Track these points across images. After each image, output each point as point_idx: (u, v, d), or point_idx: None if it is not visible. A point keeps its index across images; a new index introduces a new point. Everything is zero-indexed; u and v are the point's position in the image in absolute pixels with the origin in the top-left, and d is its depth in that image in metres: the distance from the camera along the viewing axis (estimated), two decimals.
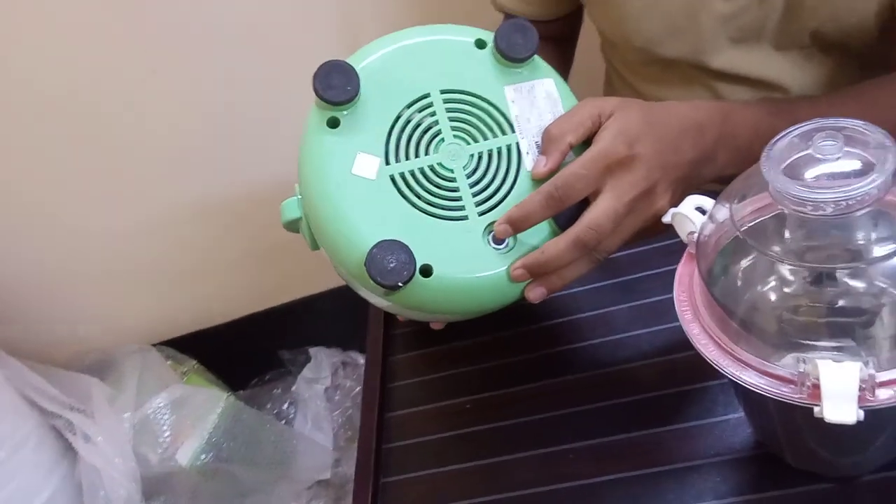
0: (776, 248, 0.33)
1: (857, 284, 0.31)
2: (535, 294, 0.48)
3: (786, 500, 0.44)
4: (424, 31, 0.52)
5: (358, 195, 0.47)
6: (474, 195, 0.49)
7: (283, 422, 1.33)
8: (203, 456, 1.16)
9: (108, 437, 1.11)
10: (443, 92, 0.50)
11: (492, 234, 0.48)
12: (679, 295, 0.38)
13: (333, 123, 0.49)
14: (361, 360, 1.41)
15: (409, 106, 0.49)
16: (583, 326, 0.58)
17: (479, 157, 0.49)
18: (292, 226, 0.53)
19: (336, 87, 0.48)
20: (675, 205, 0.43)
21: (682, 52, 0.63)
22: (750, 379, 0.34)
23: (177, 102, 1.12)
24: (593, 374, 0.55)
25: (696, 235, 0.38)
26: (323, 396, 1.38)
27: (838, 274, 0.31)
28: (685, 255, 0.40)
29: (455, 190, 0.49)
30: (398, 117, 0.49)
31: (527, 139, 0.50)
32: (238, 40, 1.08)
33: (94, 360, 1.29)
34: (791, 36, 0.60)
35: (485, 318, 0.61)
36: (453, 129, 0.49)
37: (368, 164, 0.48)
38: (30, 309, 1.31)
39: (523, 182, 0.49)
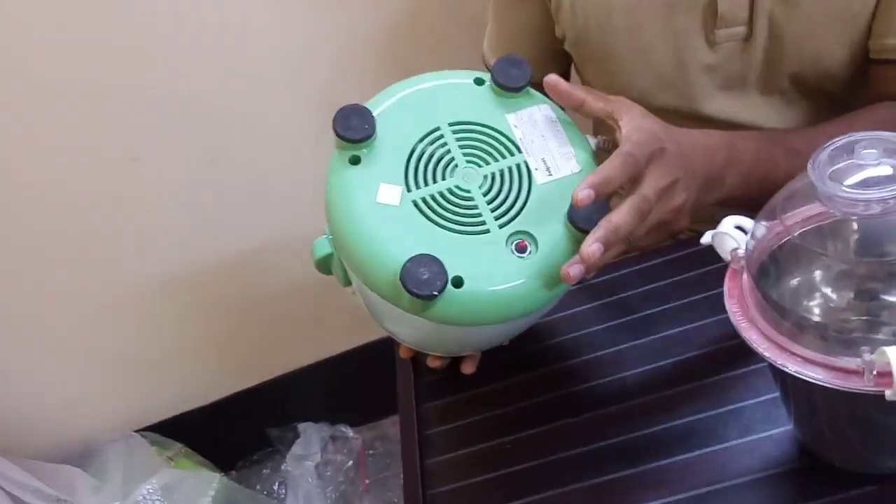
0: (830, 249, 0.36)
1: None
2: (575, 271, 0.50)
3: None
4: (428, 77, 0.57)
5: (385, 220, 0.51)
6: (492, 210, 0.52)
7: (276, 503, 1.29)
8: None
9: None
10: (451, 125, 0.55)
11: (515, 244, 0.52)
12: (731, 307, 0.41)
13: (355, 161, 0.53)
14: (351, 433, 1.39)
15: (422, 139, 0.54)
16: (611, 362, 0.60)
17: (493, 178, 0.53)
18: (323, 264, 0.56)
19: (354, 127, 0.53)
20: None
21: (674, 102, 0.68)
22: (815, 374, 0.36)
23: (148, 186, 1.12)
24: (628, 405, 0.56)
25: (740, 251, 0.41)
26: (314, 473, 1.35)
27: (890, 267, 0.35)
28: (729, 271, 0.43)
29: (474, 207, 0.52)
30: (413, 150, 0.54)
31: (533, 157, 0.54)
32: (213, 122, 1.10)
33: (75, 451, 1.25)
34: (773, 81, 0.66)
35: (511, 360, 0.63)
36: (465, 155, 0.54)
37: (391, 193, 0.52)
38: (3, 401, 1.26)
39: (536, 194, 0.53)
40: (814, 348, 0.37)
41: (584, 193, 0.49)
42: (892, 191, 0.33)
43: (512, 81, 0.56)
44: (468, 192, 0.53)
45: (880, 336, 0.36)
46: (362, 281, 0.53)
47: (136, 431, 1.28)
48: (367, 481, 1.35)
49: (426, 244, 0.50)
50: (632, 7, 0.66)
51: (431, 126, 0.54)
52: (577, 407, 0.57)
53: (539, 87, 0.58)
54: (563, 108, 0.58)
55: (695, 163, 0.54)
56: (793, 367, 0.37)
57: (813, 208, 0.38)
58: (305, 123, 1.12)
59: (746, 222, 0.42)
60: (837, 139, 0.36)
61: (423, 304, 0.50)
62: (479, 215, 0.52)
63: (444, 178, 0.53)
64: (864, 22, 0.61)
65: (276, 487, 1.34)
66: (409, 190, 0.52)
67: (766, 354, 0.38)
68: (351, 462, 1.37)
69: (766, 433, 0.51)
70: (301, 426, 1.37)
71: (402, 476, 1.36)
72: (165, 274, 1.21)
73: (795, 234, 0.38)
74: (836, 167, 0.36)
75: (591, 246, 0.49)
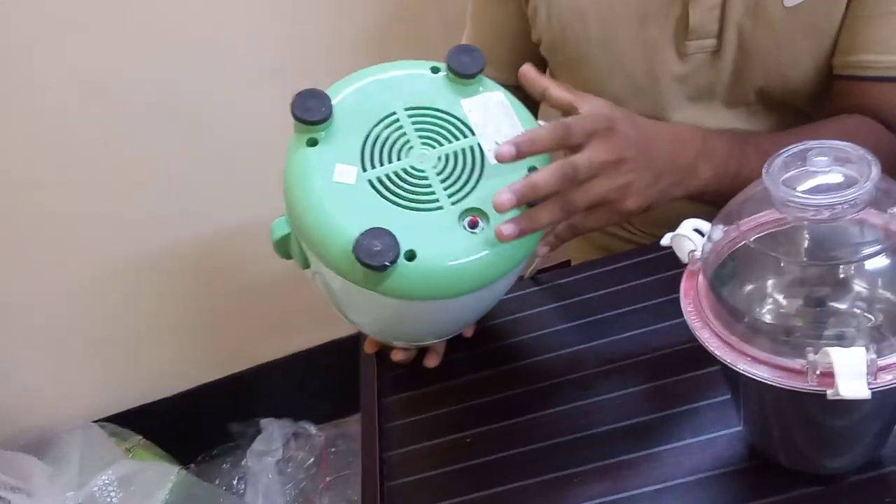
0: (782, 254, 0.37)
1: (853, 282, 0.36)
2: (508, 229, 0.51)
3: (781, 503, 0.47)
4: (386, 66, 0.59)
5: (340, 198, 0.53)
6: (445, 188, 0.54)
7: (235, 498, 1.29)
8: None
9: None
10: (407, 109, 0.56)
11: (467, 220, 0.53)
12: (686, 307, 0.42)
13: (312, 143, 0.55)
14: (314, 430, 1.39)
15: (378, 123, 0.55)
16: (571, 360, 0.61)
17: (447, 158, 0.55)
18: (282, 245, 0.57)
19: (312, 109, 0.54)
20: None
21: (643, 110, 0.69)
22: (762, 373, 0.37)
23: (119, 171, 1.12)
24: (587, 403, 0.57)
25: (697, 253, 0.43)
26: (275, 469, 1.34)
27: (838, 272, 0.36)
28: (686, 272, 0.44)
29: (427, 186, 0.54)
30: (370, 133, 0.55)
31: (486, 140, 0.56)
32: (188, 111, 1.10)
33: (31, 439, 1.23)
34: (739, 94, 0.68)
35: (472, 357, 0.64)
36: (420, 137, 0.55)
37: (347, 172, 0.53)
38: None
39: (489, 173, 0.55)
40: (764, 349, 0.38)
41: (506, 148, 0.51)
42: (840, 196, 0.35)
43: (465, 68, 0.57)
44: (422, 171, 0.54)
45: (826, 340, 0.38)
46: (317, 257, 0.54)
47: (95, 422, 1.26)
48: (327, 479, 1.34)
49: (380, 219, 0.51)
50: (606, 16, 0.67)
51: (388, 111, 0.56)
52: (535, 404, 0.58)
53: (509, 87, 0.59)
54: (523, 98, 0.60)
55: (654, 149, 0.56)
56: (742, 366, 0.38)
57: (767, 214, 0.39)
58: (280, 116, 1.11)
59: (704, 225, 0.44)
60: (791, 147, 0.38)
61: (377, 277, 0.51)
62: (433, 193, 0.54)
63: (399, 159, 0.54)
64: (830, 39, 0.63)
65: (235, 482, 1.33)
66: (364, 170, 0.54)
67: (717, 353, 0.39)
68: (312, 459, 1.36)
69: (718, 433, 0.52)
70: (263, 422, 1.36)
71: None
72: (131, 263, 1.20)
73: (750, 238, 0.39)
74: (789, 173, 0.37)
75: (503, 195, 0.51)
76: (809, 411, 0.41)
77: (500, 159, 0.52)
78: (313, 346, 1.36)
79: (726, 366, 0.40)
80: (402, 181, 0.54)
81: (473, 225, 0.53)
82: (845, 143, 0.37)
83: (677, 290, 0.48)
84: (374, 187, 0.53)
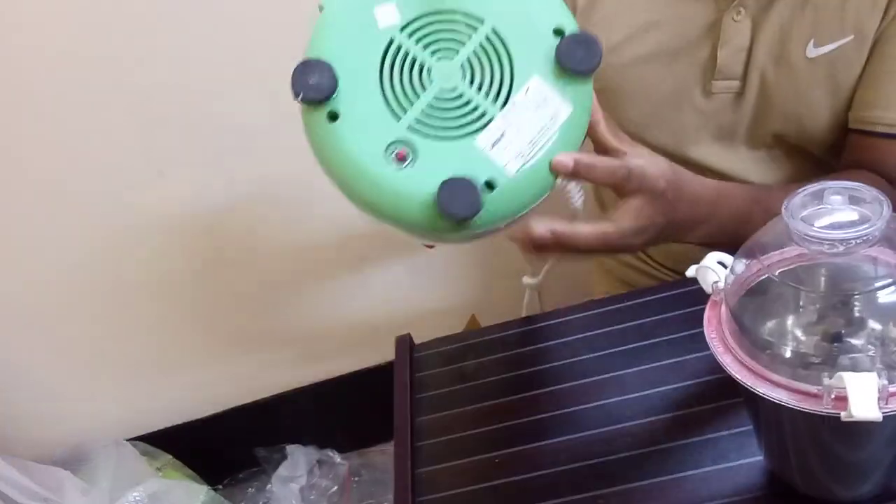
0: (801, 287, 0.40)
1: (867, 316, 0.39)
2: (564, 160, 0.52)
3: None
4: None
5: (353, 29, 0.49)
6: (424, 112, 0.49)
7: None
8: None
9: None
10: (493, 28, 0.50)
11: (397, 153, 0.49)
12: (710, 334, 0.45)
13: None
14: (338, 458, 1.41)
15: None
16: (597, 388, 0.64)
17: (458, 96, 0.49)
18: None
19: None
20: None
21: (665, 141, 0.72)
22: (780, 396, 0.40)
23: (172, 198, 1.17)
24: (613, 429, 0.60)
25: (720, 283, 0.46)
26: (298, 496, 1.36)
27: (852, 304, 0.39)
28: (709, 302, 0.47)
29: (416, 93, 0.49)
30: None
31: (500, 125, 0.50)
32: (234, 141, 1.14)
33: (64, 454, 1.26)
34: (759, 137, 0.71)
35: (502, 382, 0.67)
36: (474, 52, 0.50)
37: (388, 14, 0.49)
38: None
39: (466, 143, 0.49)
40: (783, 375, 0.41)
41: (567, 159, 0.50)
42: (854, 232, 0.38)
43: (575, 63, 0.50)
44: (431, 80, 0.49)
45: (840, 369, 0.40)
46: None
47: (127, 440, 1.30)
48: None
49: (349, 68, 0.48)
50: (638, 51, 0.71)
51: (477, 17, 0.49)
52: (561, 428, 0.61)
53: None
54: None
55: (678, 214, 0.59)
56: (762, 389, 0.41)
57: (787, 251, 0.42)
58: None
59: (727, 258, 0.46)
60: (809, 186, 0.41)
61: (308, 112, 0.49)
62: (411, 103, 0.49)
63: (432, 56, 0.49)
64: (848, 92, 0.66)
65: None
66: (402, 30, 0.49)
67: (738, 377, 0.42)
68: (336, 487, 1.38)
69: (738, 462, 0.54)
70: (289, 448, 1.38)
71: None
72: (171, 285, 1.24)
73: (770, 272, 0.42)
74: (807, 211, 0.40)
75: (540, 228, 0.55)
76: (825, 436, 0.43)
77: (555, 166, 0.50)
78: (340, 375, 1.38)
79: (747, 391, 0.42)
80: (407, 66, 0.49)
81: (401, 159, 0.49)
82: (859, 184, 0.40)
83: (698, 326, 0.51)
84: (387, 46, 0.49)
